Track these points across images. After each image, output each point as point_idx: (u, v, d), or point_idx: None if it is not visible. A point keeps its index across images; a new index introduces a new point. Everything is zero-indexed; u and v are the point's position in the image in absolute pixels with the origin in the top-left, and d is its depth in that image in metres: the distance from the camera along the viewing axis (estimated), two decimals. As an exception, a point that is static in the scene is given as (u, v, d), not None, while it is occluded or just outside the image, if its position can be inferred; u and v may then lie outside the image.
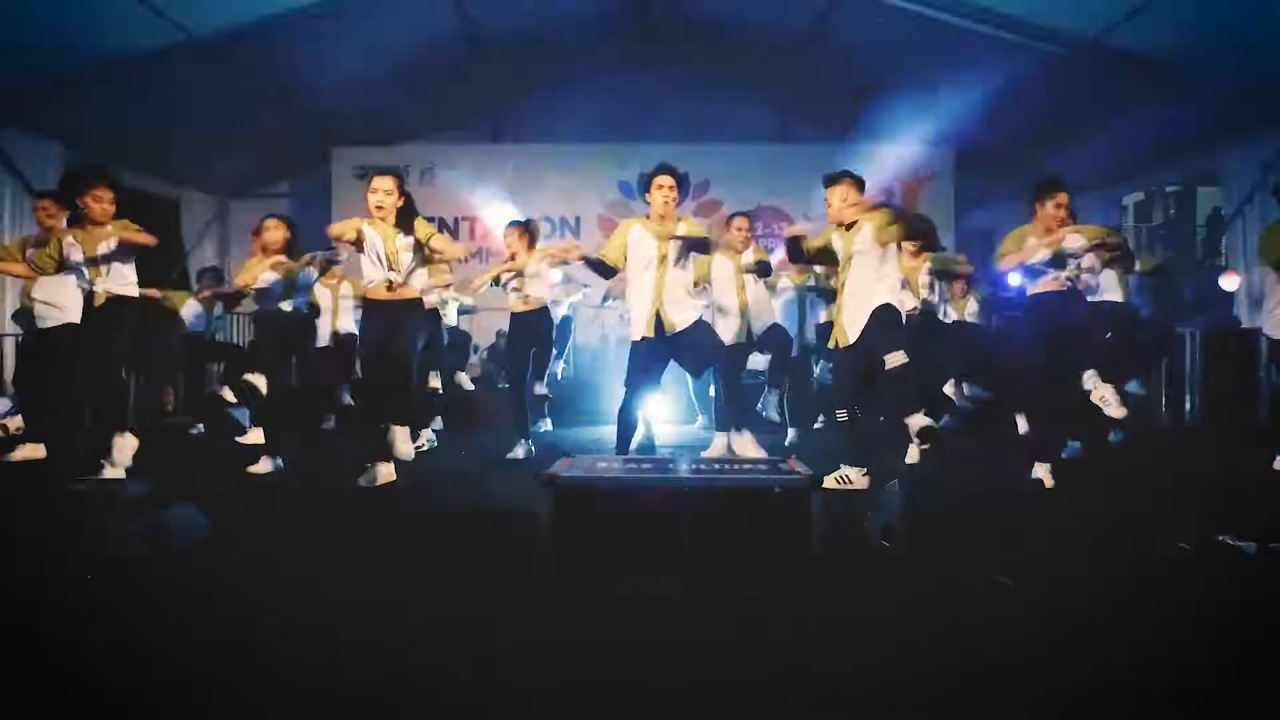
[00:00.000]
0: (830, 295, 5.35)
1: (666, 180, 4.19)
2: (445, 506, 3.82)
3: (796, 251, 4.26)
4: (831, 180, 4.18)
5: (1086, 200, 9.16)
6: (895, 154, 9.00)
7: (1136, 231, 13.90)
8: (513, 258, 5.34)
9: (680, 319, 4.21)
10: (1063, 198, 4.18)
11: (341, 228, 4.12)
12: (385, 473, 4.05)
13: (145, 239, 4.27)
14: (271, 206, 9.74)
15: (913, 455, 4.66)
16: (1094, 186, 8.99)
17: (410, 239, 4.07)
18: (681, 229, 4.22)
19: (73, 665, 1.94)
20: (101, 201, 4.24)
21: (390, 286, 4.02)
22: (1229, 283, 6.77)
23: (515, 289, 5.30)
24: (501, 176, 9.31)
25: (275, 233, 4.76)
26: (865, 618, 2.24)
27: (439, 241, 4.12)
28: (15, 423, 5.44)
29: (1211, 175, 8.16)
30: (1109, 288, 5.12)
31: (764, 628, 2.17)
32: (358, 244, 4.10)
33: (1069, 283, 4.13)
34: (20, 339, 5.80)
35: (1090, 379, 4.26)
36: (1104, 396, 4.18)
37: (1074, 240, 4.14)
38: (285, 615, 2.27)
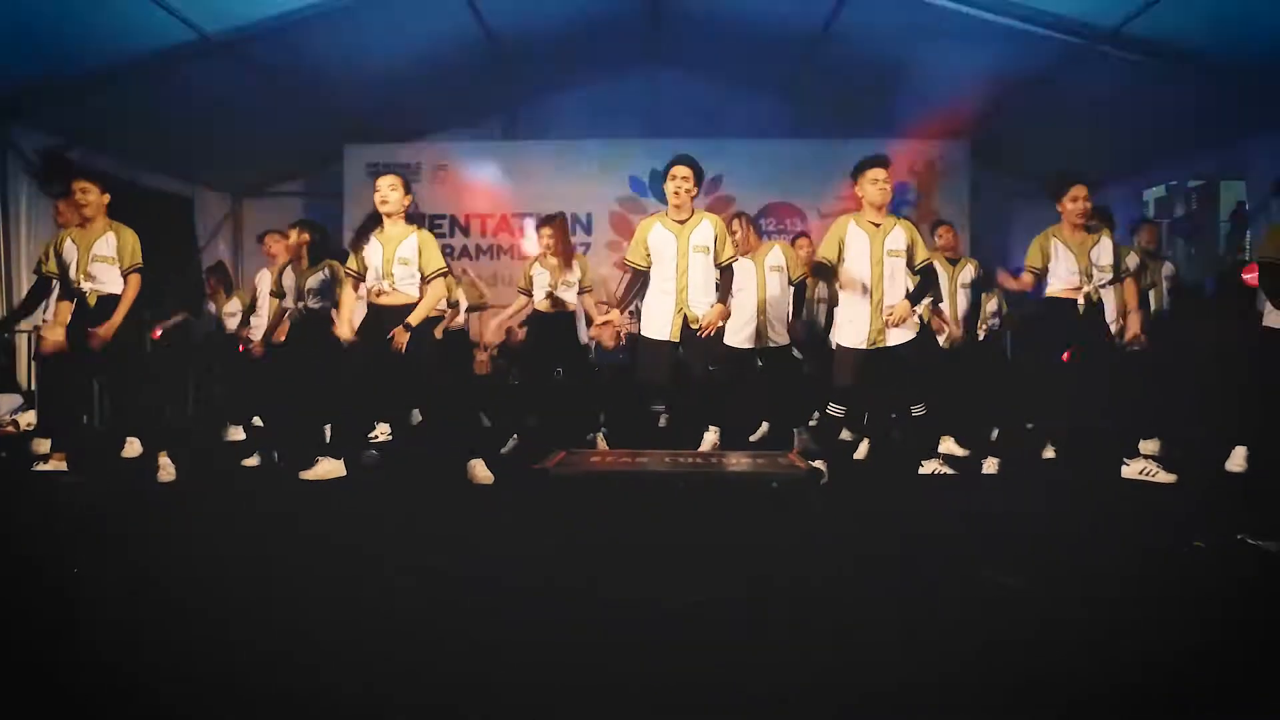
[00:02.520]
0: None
1: (681, 170, 4.10)
2: (430, 499, 3.81)
3: (824, 271, 4.19)
4: (874, 162, 4.08)
5: (1106, 195, 9.00)
6: (910, 148, 8.88)
7: (1157, 226, 13.69)
8: (546, 255, 5.33)
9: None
10: (1080, 190, 4.12)
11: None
12: (328, 469, 4.08)
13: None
14: (284, 204, 9.81)
15: (861, 451, 4.81)
16: (1114, 181, 8.82)
17: (413, 243, 4.07)
18: (705, 227, 4.12)
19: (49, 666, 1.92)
20: (89, 194, 4.14)
21: (378, 294, 4.04)
22: (1254, 278, 6.60)
23: (549, 291, 5.28)
24: (514, 173, 9.29)
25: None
26: (859, 612, 2.18)
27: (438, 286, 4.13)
28: (26, 419, 5.48)
29: (1236, 169, 7.99)
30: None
31: (760, 623, 2.12)
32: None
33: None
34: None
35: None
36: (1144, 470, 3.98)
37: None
38: (267, 614, 2.24)
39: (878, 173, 4.04)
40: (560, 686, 1.76)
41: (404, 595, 2.37)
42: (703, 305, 4.08)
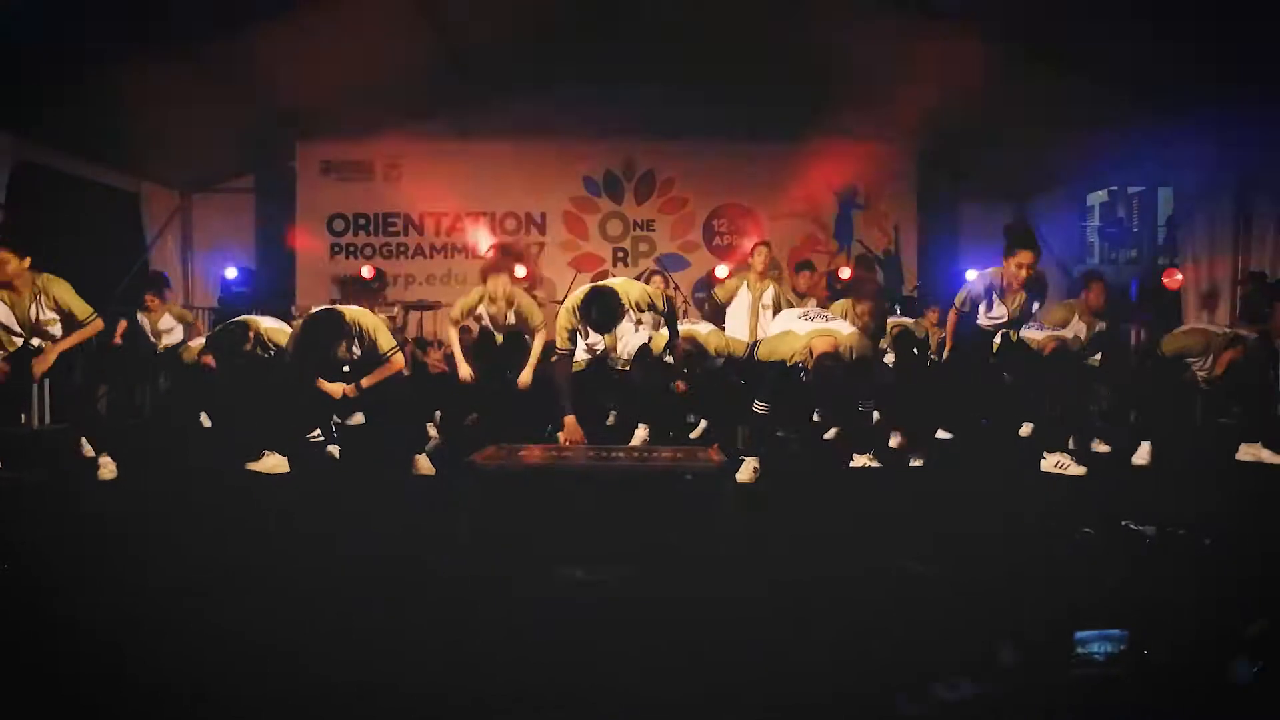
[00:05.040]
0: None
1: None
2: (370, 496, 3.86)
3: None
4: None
5: (1053, 199, 9.29)
6: (859, 153, 9.06)
7: (1100, 231, 14.16)
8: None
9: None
10: (1025, 257, 4.27)
11: None
12: (274, 463, 4.17)
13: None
14: (235, 201, 9.70)
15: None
16: (1059, 186, 9.10)
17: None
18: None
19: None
20: (8, 265, 4.01)
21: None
22: (1172, 281, 6.88)
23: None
24: (468, 172, 9.29)
25: None
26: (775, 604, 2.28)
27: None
28: None
29: (1168, 176, 8.30)
30: None
31: (681, 615, 2.19)
32: None
33: None
34: None
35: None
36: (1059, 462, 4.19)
37: None
38: (232, 614, 2.24)
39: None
40: (465, 680, 1.81)
41: (313, 583, 2.41)
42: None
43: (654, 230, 9.47)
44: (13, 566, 2.54)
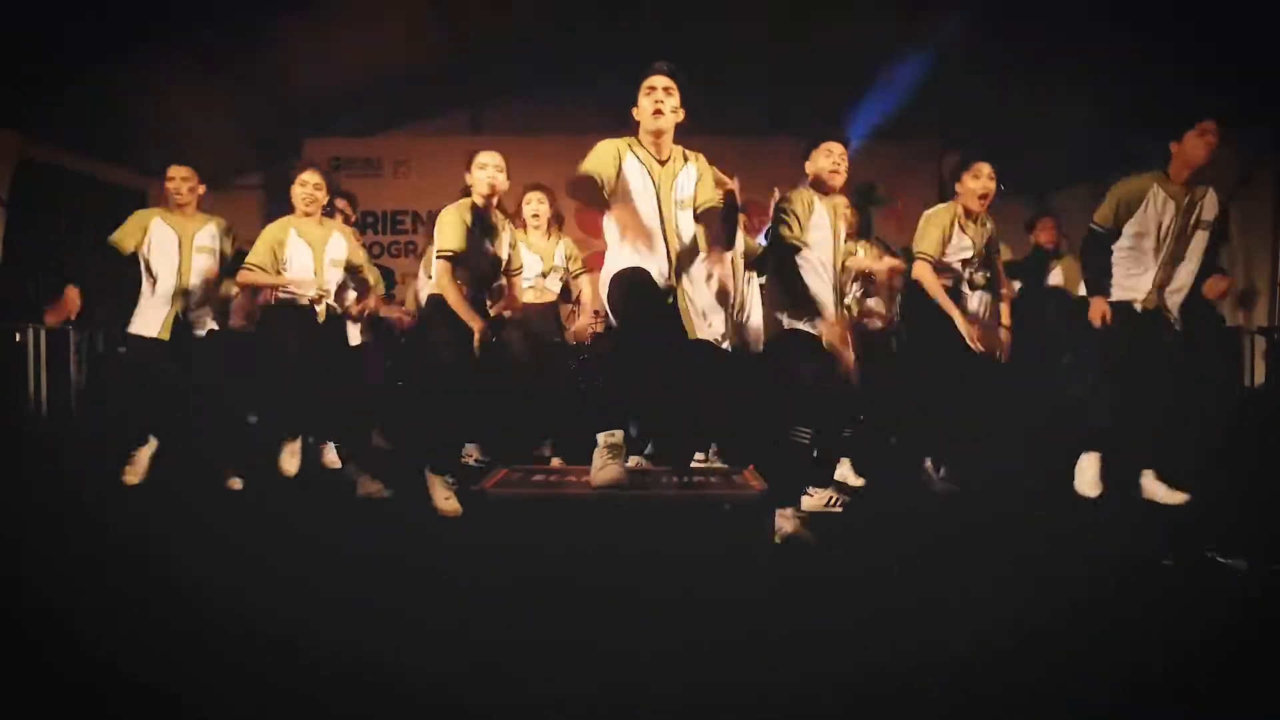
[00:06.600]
0: None
1: (660, 81, 2.82)
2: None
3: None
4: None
5: (1077, 195, 9.07)
6: (878, 147, 8.86)
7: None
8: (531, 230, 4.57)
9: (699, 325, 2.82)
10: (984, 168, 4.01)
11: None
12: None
13: None
14: (243, 198, 9.57)
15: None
16: (1083, 183, 8.88)
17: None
18: (690, 172, 2.88)
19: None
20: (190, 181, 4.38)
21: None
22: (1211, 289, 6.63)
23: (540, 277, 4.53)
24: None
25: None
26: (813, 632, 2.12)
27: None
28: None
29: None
30: None
31: (713, 638, 2.05)
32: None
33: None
34: None
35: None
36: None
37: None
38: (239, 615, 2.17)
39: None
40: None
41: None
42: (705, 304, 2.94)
43: (668, 227, 9.28)
44: (14, 567, 2.49)
